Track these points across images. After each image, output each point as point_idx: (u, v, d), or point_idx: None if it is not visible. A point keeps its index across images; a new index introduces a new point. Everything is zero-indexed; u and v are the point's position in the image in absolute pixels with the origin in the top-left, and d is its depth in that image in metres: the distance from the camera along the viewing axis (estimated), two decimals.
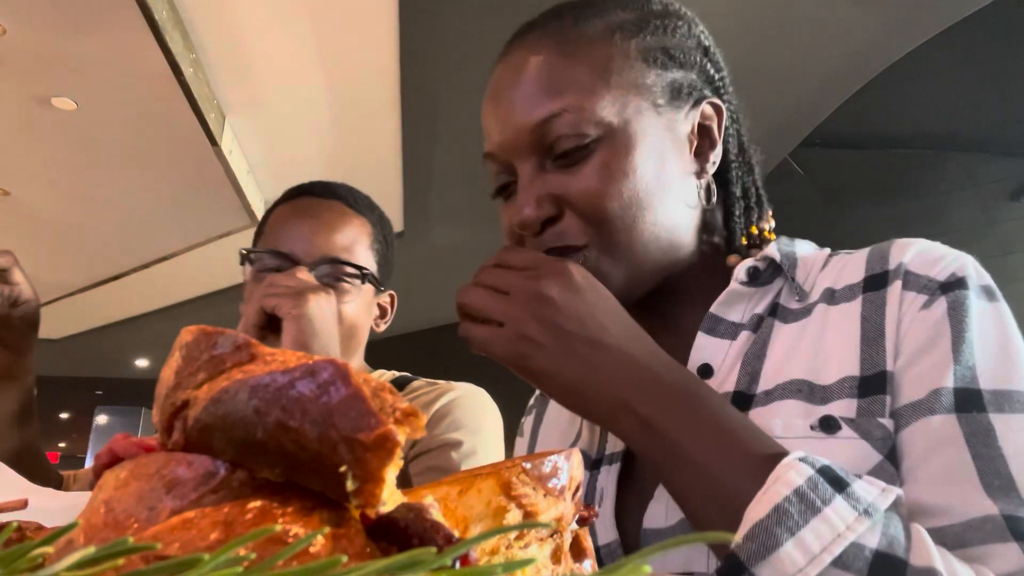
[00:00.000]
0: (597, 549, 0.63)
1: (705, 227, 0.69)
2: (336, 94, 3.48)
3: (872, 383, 0.56)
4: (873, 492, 0.46)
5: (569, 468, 0.34)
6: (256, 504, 0.23)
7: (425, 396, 1.06)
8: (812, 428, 0.55)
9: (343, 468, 0.22)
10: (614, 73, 0.63)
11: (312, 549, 0.21)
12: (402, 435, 0.23)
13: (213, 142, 3.39)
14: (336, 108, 3.59)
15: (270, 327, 0.84)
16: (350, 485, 0.22)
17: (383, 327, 1.13)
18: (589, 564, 0.37)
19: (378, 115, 3.65)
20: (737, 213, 0.71)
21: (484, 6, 2.92)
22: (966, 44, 3.27)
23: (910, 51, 3.31)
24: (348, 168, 4.07)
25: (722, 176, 0.70)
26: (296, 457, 0.23)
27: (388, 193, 4.43)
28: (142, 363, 8.50)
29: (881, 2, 2.99)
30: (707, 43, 0.70)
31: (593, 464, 0.68)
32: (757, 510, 0.46)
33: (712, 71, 0.70)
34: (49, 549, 0.19)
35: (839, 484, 0.46)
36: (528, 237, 0.65)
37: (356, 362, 1.06)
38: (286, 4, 2.87)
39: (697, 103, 0.67)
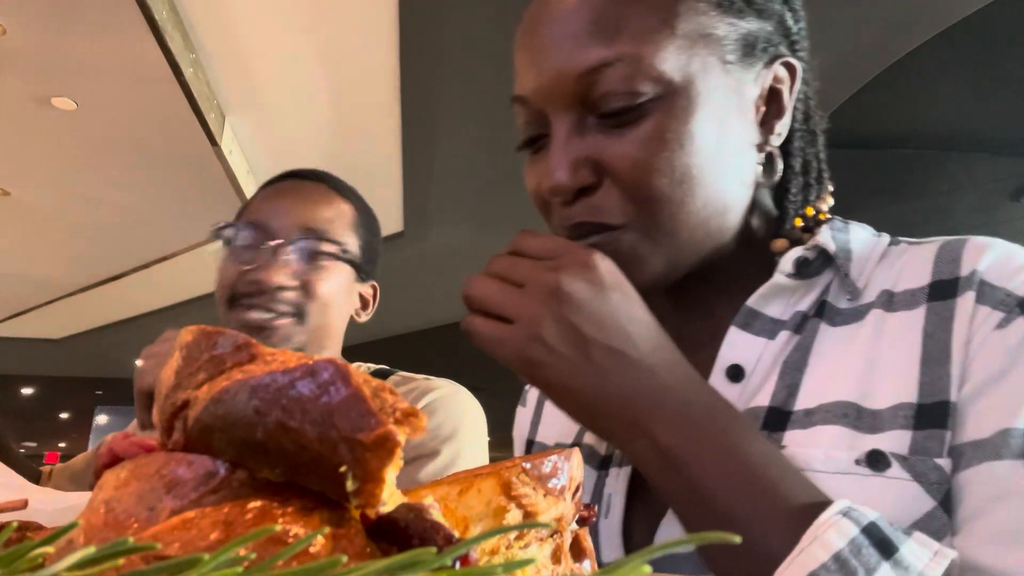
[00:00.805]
0: (600, 563, 0.58)
1: (754, 206, 0.60)
2: (336, 94, 3.47)
3: (931, 413, 0.49)
4: (924, 557, 0.40)
5: (569, 468, 0.34)
6: (256, 504, 0.23)
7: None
8: (857, 463, 0.48)
9: (343, 468, 0.22)
10: (681, 17, 0.53)
11: (312, 549, 0.21)
12: (402, 435, 0.23)
13: (213, 142, 3.40)
14: (336, 108, 3.59)
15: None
16: (350, 485, 0.22)
17: (365, 318, 1.10)
18: (589, 564, 0.37)
19: (378, 115, 3.65)
20: (793, 191, 0.61)
21: (485, 6, 2.91)
22: (966, 44, 3.27)
23: (910, 51, 3.31)
24: (348, 168, 4.06)
25: (783, 148, 0.61)
26: (296, 457, 0.23)
27: (388, 193, 4.43)
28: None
29: (881, 2, 2.99)
30: None
31: (601, 463, 0.62)
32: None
33: (791, 22, 0.59)
34: (49, 549, 0.19)
35: (886, 548, 0.40)
36: (557, 205, 0.56)
37: (330, 350, 1.03)
38: (286, 4, 2.87)
39: (771, 62, 0.57)
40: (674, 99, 0.52)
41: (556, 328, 0.47)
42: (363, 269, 1.06)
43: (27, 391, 12.95)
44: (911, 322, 0.52)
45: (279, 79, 3.34)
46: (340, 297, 1.02)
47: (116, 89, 3.06)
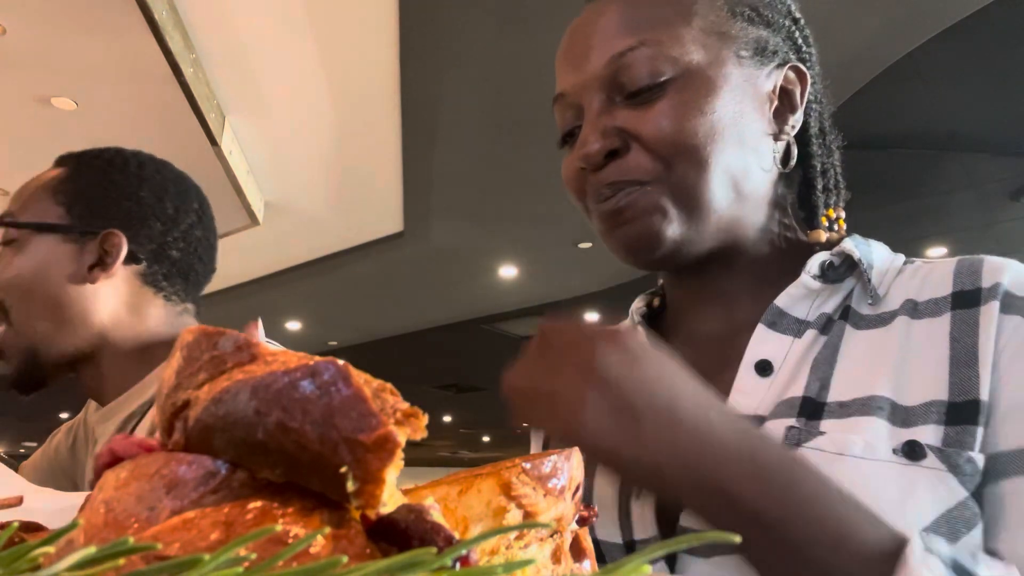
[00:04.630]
0: (632, 543, 0.59)
1: (777, 201, 0.65)
2: (336, 94, 3.47)
3: (962, 411, 0.52)
4: None
5: (569, 468, 0.34)
6: (256, 504, 0.23)
7: None
8: (895, 452, 0.51)
9: (344, 469, 0.22)
10: (698, 15, 0.60)
11: (312, 550, 0.21)
12: (403, 436, 0.23)
13: (213, 142, 3.40)
14: (336, 108, 3.59)
15: None
16: (350, 486, 0.22)
17: (103, 278, 0.94)
18: (589, 564, 0.37)
19: (378, 115, 3.65)
20: (819, 188, 0.67)
21: (485, 6, 2.91)
22: (966, 44, 3.27)
23: (910, 51, 3.31)
24: (348, 168, 4.07)
25: (802, 150, 0.66)
26: (297, 458, 0.23)
27: (388, 193, 4.43)
28: None
29: (881, 2, 2.99)
30: (797, 14, 0.67)
31: None
32: None
33: (800, 41, 0.66)
34: (49, 549, 0.19)
35: None
36: (589, 175, 0.61)
37: (41, 325, 0.93)
38: (286, 4, 2.87)
39: (781, 65, 0.63)
40: (692, 79, 0.59)
41: (602, 404, 0.47)
42: (75, 227, 0.94)
43: None
44: (937, 328, 0.56)
45: (279, 79, 3.34)
46: (40, 269, 0.93)
47: (116, 89, 3.06)
